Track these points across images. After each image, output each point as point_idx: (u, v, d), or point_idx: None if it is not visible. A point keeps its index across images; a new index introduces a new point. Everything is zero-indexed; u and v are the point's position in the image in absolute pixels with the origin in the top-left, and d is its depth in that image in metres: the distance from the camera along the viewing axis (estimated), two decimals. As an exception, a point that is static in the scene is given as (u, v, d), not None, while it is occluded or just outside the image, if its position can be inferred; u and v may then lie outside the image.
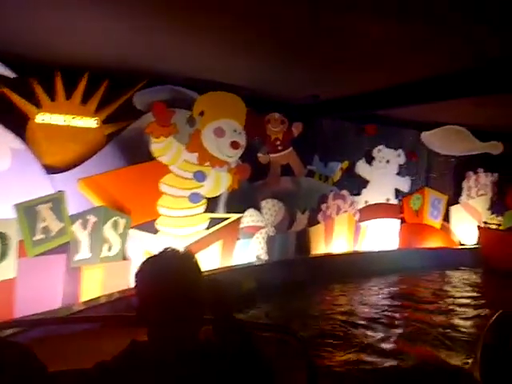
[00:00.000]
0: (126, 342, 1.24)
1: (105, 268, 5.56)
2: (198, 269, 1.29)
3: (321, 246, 8.23)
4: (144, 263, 1.28)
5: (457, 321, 6.20)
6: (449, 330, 5.74)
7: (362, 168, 8.85)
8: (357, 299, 7.04)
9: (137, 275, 1.27)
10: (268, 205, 7.53)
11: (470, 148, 9.77)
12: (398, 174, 9.26)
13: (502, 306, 1.38)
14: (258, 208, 7.40)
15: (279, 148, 7.90)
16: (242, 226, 7.07)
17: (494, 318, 1.29)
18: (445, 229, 9.76)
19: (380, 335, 5.53)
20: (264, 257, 7.39)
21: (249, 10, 4.05)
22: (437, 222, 9.68)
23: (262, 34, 4.74)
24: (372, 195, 8.95)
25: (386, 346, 5.19)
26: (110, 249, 5.65)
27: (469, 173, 9.99)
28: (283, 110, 7.88)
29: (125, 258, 5.80)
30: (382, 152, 9.01)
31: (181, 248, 1.31)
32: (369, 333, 5.60)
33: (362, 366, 4.60)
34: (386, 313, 6.43)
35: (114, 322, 2.01)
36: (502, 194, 10.29)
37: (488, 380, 1.22)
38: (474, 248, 9.79)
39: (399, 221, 9.25)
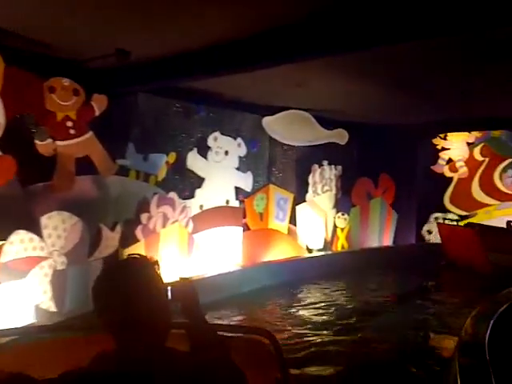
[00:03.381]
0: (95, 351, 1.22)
1: None
2: (159, 275, 1.26)
3: (141, 274, 5.75)
4: (102, 272, 1.24)
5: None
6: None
7: (194, 161, 6.63)
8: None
9: (95, 286, 1.22)
10: (53, 221, 4.76)
11: (314, 137, 8.38)
12: (239, 168, 7.33)
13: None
14: (35, 228, 4.58)
15: (71, 132, 5.17)
16: (4, 259, 4.20)
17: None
18: (291, 233, 8.21)
19: None
20: (50, 306, 4.62)
21: None
22: (283, 226, 8.05)
23: None
24: (209, 197, 6.81)
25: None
26: None
27: (314, 166, 8.62)
28: (76, 74, 5.17)
29: None
30: (218, 140, 6.93)
31: (141, 255, 1.27)
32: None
33: None
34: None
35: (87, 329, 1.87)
36: (346, 190, 9.24)
37: None
38: (324, 255, 8.52)
39: (242, 228, 7.32)
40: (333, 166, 8.96)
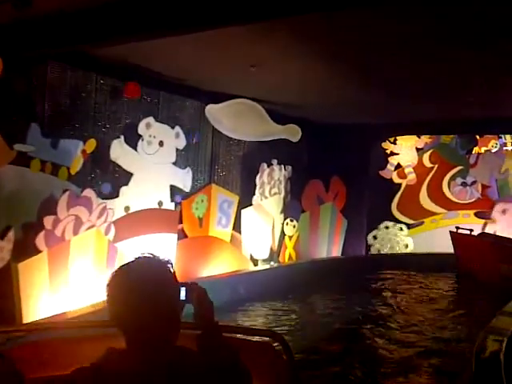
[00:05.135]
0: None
1: None
2: (173, 276, 1.27)
3: (42, 297, 4.39)
4: (116, 272, 1.24)
5: None
6: None
7: (120, 152, 5.34)
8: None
9: (109, 284, 1.22)
10: None
11: (265, 131, 7.32)
12: (176, 163, 6.13)
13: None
14: None
15: None
16: None
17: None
18: (235, 241, 7.10)
19: None
20: None
21: None
22: (226, 233, 6.92)
23: None
24: (137, 197, 5.54)
25: None
26: None
27: (263, 165, 7.58)
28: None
29: None
30: (152, 128, 5.69)
31: (154, 254, 1.27)
32: None
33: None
34: None
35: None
36: (296, 193, 8.29)
37: None
38: (270, 269, 7.49)
39: (177, 236, 6.11)
40: (282, 166, 7.99)
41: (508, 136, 10.69)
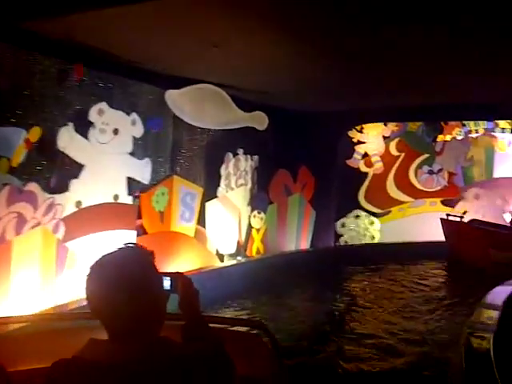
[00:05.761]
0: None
1: None
2: (155, 266, 1.24)
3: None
4: (96, 263, 1.20)
5: None
6: None
7: (69, 141, 4.79)
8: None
9: (88, 276, 1.19)
10: None
11: (230, 119, 6.90)
12: (133, 153, 5.65)
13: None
14: None
15: None
16: None
17: None
18: (200, 236, 6.68)
19: None
20: None
21: None
22: (190, 228, 6.49)
23: None
24: (90, 191, 5.03)
25: None
26: None
27: (228, 155, 7.18)
28: None
29: None
30: (105, 115, 5.17)
31: (135, 245, 1.26)
32: None
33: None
34: None
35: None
36: (263, 184, 7.94)
37: None
38: (236, 264, 7.12)
39: (135, 232, 5.64)
40: (249, 156, 7.62)
41: (472, 123, 10.70)
